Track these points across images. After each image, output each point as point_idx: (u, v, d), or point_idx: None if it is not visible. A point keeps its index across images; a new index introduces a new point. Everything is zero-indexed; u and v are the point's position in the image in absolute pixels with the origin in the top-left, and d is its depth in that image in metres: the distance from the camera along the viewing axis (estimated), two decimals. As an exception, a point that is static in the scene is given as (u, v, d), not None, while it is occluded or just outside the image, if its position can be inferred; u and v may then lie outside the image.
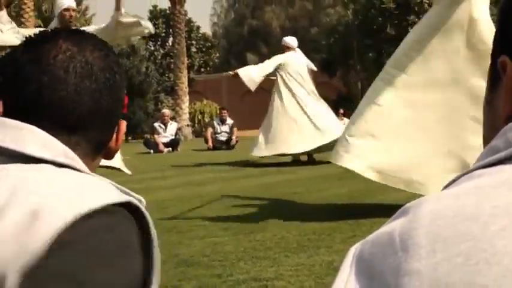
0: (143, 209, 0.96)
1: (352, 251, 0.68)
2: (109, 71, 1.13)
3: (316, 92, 11.83)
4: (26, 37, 1.13)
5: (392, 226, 0.65)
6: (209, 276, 4.04)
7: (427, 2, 25.63)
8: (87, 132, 1.10)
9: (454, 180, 0.72)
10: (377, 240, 0.65)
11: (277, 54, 11.81)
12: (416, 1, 25.61)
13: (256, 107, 34.54)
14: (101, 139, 1.14)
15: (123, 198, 0.95)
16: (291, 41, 11.96)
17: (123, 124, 1.20)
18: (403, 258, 0.60)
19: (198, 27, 39.75)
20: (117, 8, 8.05)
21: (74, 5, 7.62)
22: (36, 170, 0.98)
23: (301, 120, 11.33)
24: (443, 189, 0.71)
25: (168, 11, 34.86)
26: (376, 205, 6.45)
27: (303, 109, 11.40)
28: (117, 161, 8.30)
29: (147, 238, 0.96)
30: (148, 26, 8.94)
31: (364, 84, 27.38)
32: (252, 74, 11.28)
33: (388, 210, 5.24)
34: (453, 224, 0.61)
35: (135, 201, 0.96)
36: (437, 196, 0.66)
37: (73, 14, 7.59)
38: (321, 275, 3.98)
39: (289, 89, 11.52)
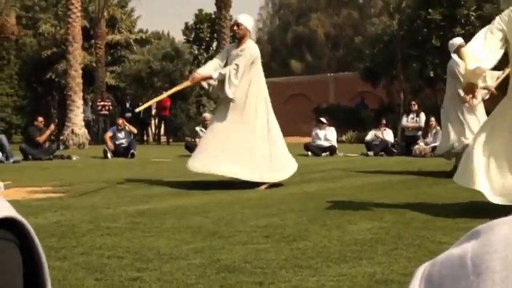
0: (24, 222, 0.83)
1: (420, 271, 0.67)
2: None
3: None
4: None
5: (464, 249, 0.64)
6: (251, 283, 4.03)
7: (474, 14, 25.30)
8: None
9: None
10: (447, 262, 0.64)
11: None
12: (463, 13, 25.28)
13: (297, 113, 34.52)
14: None
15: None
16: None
17: None
18: (475, 283, 0.59)
19: (243, 33, 39.81)
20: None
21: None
22: None
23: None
24: None
25: (213, 16, 34.87)
26: (419, 218, 6.38)
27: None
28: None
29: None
30: None
31: (406, 94, 27.11)
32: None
33: (429, 223, 5.20)
34: None
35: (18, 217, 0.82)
36: (510, 220, 0.65)
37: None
38: (363, 286, 3.95)
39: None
